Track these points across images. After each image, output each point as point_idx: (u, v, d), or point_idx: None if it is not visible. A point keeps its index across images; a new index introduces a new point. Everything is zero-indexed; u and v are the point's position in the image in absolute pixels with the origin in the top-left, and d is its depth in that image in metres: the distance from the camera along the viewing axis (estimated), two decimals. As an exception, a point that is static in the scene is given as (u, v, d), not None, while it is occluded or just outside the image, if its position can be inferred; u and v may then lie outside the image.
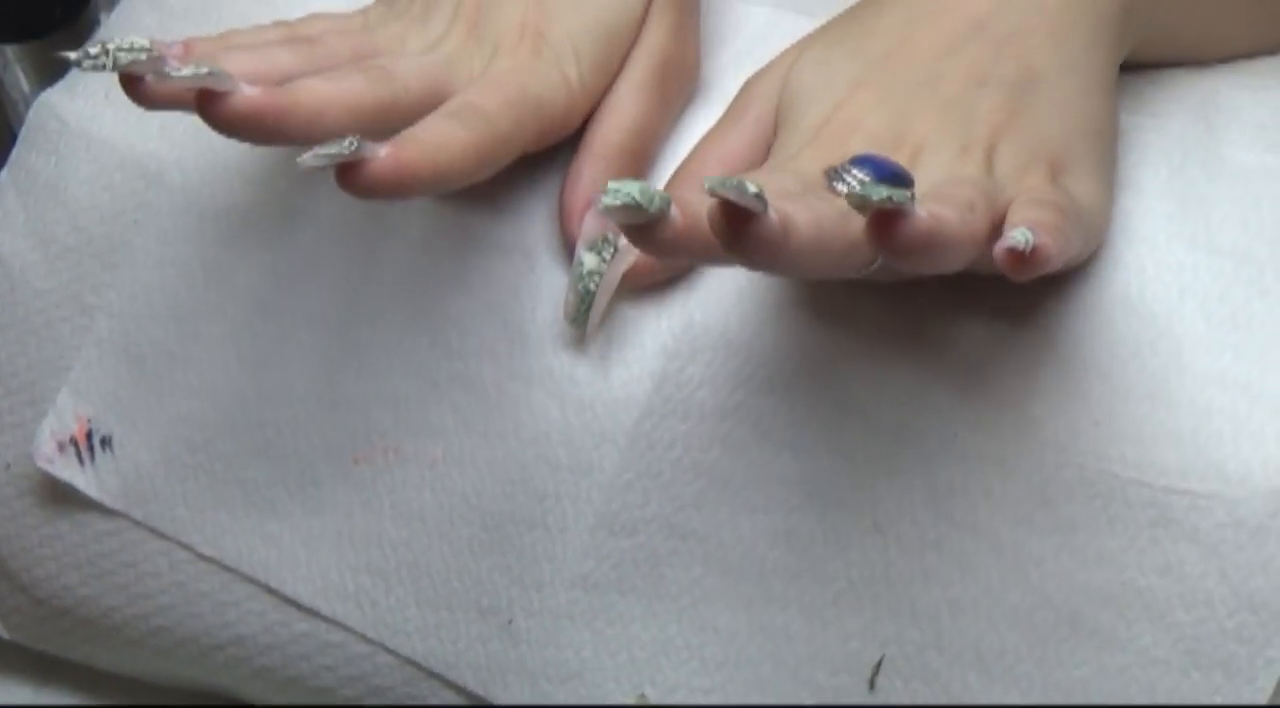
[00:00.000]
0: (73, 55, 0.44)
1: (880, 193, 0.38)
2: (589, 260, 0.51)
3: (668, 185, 0.52)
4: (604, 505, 0.52)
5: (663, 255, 0.41)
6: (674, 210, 0.39)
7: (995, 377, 0.49)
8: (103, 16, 0.64)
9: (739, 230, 0.38)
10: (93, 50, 0.44)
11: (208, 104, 0.44)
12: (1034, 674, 0.48)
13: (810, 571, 0.50)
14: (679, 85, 0.54)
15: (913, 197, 0.39)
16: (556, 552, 0.52)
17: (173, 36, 0.60)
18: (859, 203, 0.39)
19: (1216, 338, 0.49)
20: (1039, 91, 0.48)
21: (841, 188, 0.45)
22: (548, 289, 0.53)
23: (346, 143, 0.43)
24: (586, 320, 0.51)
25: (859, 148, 0.47)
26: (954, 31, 0.49)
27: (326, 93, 0.46)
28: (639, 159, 0.53)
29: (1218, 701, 0.47)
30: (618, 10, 0.53)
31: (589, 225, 0.51)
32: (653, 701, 0.52)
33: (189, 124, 0.59)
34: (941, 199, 0.42)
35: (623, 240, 0.51)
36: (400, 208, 0.55)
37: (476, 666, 0.53)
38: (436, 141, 0.46)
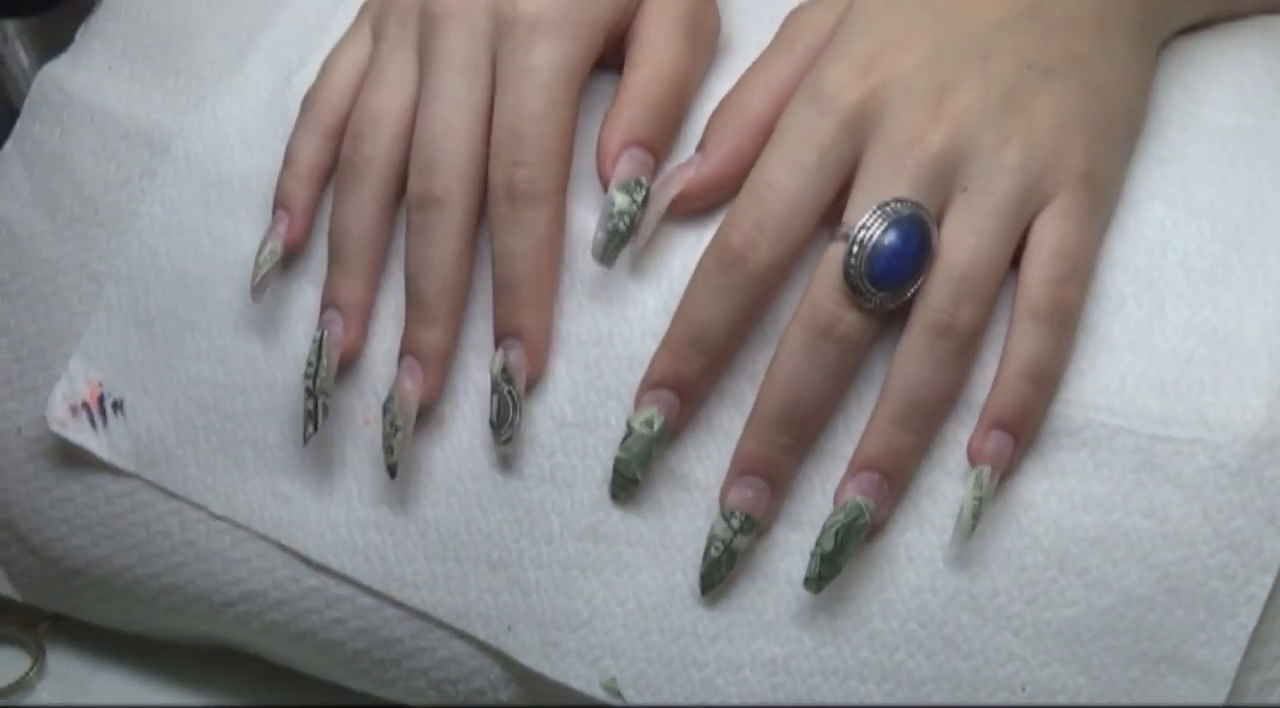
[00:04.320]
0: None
1: None
2: (620, 200, 0.53)
3: (711, 118, 0.54)
4: (611, 460, 0.54)
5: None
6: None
7: (991, 329, 0.51)
8: (103, -10, 0.65)
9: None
10: None
11: None
12: (1025, 614, 0.51)
13: (809, 519, 0.52)
14: (705, 37, 0.56)
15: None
16: (565, 506, 0.54)
17: (174, 11, 0.62)
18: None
19: (1196, 292, 0.51)
20: (1080, 79, 0.52)
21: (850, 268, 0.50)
22: None
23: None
24: (615, 259, 0.53)
25: (897, 103, 0.50)
26: (1013, 8, 0.52)
27: None
28: (678, 104, 0.55)
29: (1202, 637, 0.50)
30: None
31: (623, 167, 0.53)
32: (620, 683, 0.53)
33: (191, 94, 0.61)
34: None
35: (669, 169, 0.53)
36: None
37: (486, 616, 0.55)
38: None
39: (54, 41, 0.67)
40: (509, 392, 0.53)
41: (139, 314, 0.59)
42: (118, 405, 0.59)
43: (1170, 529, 0.50)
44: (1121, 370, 0.51)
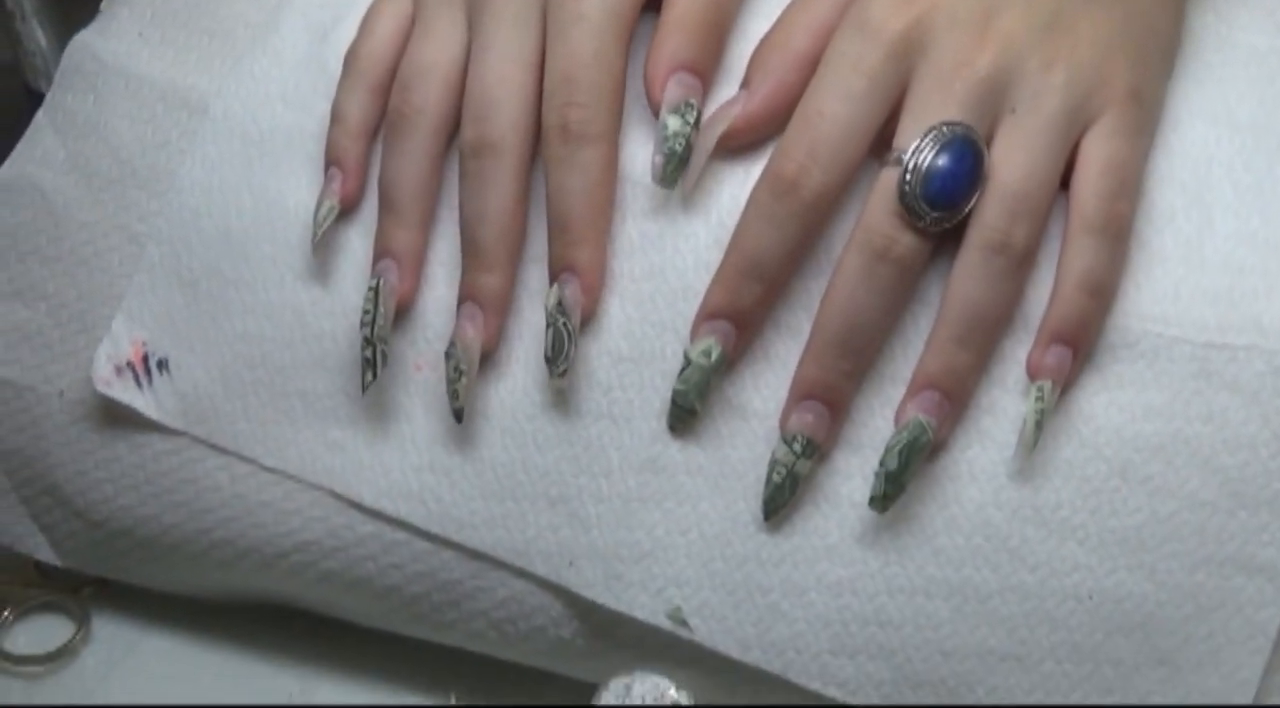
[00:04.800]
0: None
1: None
2: (673, 123, 0.53)
3: (754, 54, 0.54)
4: (669, 391, 0.54)
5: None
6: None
7: (1043, 248, 0.52)
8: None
9: None
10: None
11: None
12: (1089, 525, 0.51)
13: (869, 443, 0.53)
14: None
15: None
16: (624, 440, 0.55)
17: None
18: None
19: (1244, 203, 0.52)
20: (1120, 4, 0.53)
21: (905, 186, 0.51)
22: None
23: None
24: (675, 181, 0.54)
25: (943, 29, 0.51)
26: None
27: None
28: (719, 29, 0.55)
29: (1265, 537, 0.50)
30: None
31: (672, 91, 0.54)
32: (685, 612, 0.54)
33: (226, 56, 0.61)
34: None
35: (717, 105, 0.53)
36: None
37: (547, 553, 0.55)
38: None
39: (70, 19, 0.68)
40: (564, 324, 0.54)
41: (182, 273, 0.60)
42: (163, 364, 0.59)
43: (1230, 434, 0.51)
44: (1175, 282, 0.52)
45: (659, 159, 0.54)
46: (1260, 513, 0.50)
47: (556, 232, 0.54)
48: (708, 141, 0.54)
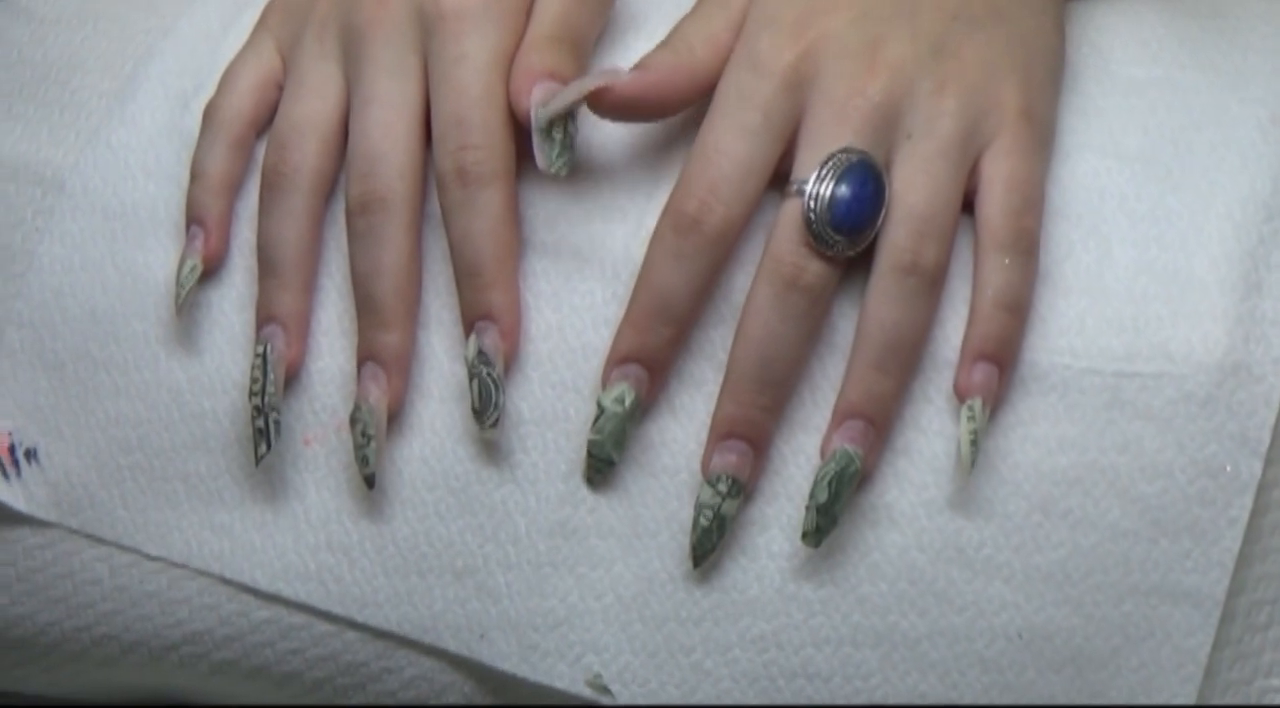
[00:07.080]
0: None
1: None
2: (544, 114, 0.52)
3: (649, 54, 0.53)
4: (574, 453, 0.53)
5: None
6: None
7: (948, 288, 0.52)
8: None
9: None
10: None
11: None
12: (1013, 562, 0.51)
13: (784, 491, 0.52)
14: None
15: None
16: (530, 505, 0.53)
17: (49, 48, 0.60)
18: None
19: (1140, 232, 0.53)
20: (1003, 27, 0.53)
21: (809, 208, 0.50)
22: None
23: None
24: (560, 166, 0.52)
25: (832, 60, 0.51)
26: None
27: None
28: (574, 45, 0.54)
29: (1188, 564, 0.50)
30: None
31: (538, 93, 0.52)
32: (606, 678, 0.52)
33: (81, 129, 0.59)
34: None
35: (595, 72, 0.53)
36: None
37: (457, 627, 0.53)
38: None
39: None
40: (489, 374, 0.52)
41: (46, 357, 0.57)
42: (30, 454, 0.56)
43: (1146, 462, 0.51)
44: (1080, 313, 0.52)
45: (542, 146, 0.52)
46: (1182, 540, 0.50)
47: (466, 278, 0.53)
48: (586, 85, 0.52)
